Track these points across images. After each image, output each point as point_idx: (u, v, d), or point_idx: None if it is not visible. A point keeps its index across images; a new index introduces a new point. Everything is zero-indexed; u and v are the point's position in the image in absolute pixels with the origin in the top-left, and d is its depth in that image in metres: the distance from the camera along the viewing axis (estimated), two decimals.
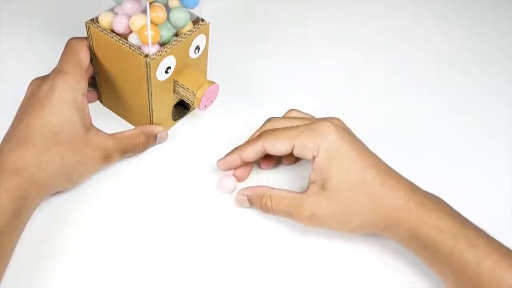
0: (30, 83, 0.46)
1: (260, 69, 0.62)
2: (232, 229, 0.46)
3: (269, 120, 0.48)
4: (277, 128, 0.45)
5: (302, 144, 0.43)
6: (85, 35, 0.48)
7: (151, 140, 0.50)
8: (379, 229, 0.43)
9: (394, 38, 0.71)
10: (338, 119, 0.45)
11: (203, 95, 0.48)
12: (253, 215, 0.47)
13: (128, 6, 0.46)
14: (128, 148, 0.49)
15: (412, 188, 0.42)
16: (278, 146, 0.44)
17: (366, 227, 0.43)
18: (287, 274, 0.44)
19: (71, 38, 0.48)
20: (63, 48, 0.47)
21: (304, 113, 0.48)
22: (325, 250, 0.46)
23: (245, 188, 0.47)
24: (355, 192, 0.42)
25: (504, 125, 0.60)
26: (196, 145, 0.53)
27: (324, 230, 0.45)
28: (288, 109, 0.49)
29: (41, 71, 0.47)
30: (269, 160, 0.51)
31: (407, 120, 0.59)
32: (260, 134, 0.46)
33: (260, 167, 0.51)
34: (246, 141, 0.47)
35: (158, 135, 0.51)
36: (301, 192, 0.44)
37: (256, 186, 0.47)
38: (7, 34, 0.62)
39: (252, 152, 0.46)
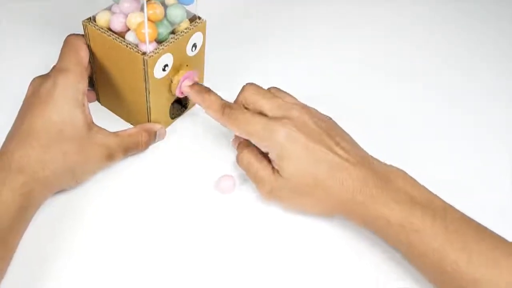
0: (31, 81, 0.46)
1: (258, 68, 0.62)
2: (230, 227, 0.46)
3: (245, 88, 0.48)
4: (240, 114, 0.46)
5: (255, 141, 0.45)
6: (83, 34, 0.48)
7: (152, 137, 0.51)
8: (338, 215, 0.45)
9: (394, 38, 0.71)
10: (299, 109, 0.45)
11: (179, 80, 0.49)
12: (252, 214, 0.47)
13: (126, 5, 0.46)
14: (131, 147, 0.49)
15: (364, 178, 0.43)
16: (236, 133, 0.46)
17: (324, 214, 0.46)
18: (286, 273, 0.44)
19: (70, 35, 0.48)
20: (61, 47, 0.47)
21: (286, 92, 0.49)
22: (325, 250, 0.46)
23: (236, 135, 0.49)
24: (307, 185, 0.44)
25: (504, 125, 0.60)
26: (193, 143, 0.53)
27: (322, 230, 0.45)
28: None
29: (40, 70, 0.48)
30: None
31: (407, 119, 0.59)
32: (226, 111, 0.46)
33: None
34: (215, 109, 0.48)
35: (157, 132, 0.51)
36: (270, 168, 0.45)
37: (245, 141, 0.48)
38: (5, 33, 0.63)
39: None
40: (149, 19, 0.45)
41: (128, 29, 0.46)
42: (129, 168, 0.50)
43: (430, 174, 0.47)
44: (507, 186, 0.53)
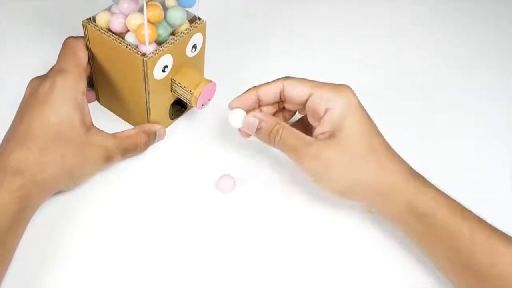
0: (29, 82, 0.46)
1: (258, 68, 0.62)
2: (230, 227, 0.46)
3: (287, 78, 0.47)
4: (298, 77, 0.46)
5: (320, 94, 0.44)
6: (83, 34, 0.48)
7: (151, 138, 0.51)
8: (374, 195, 0.43)
9: (394, 38, 0.71)
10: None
11: (200, 93, 0.48)
12: (252, 214, 0.47)
13: (125, 5, 0.46)
14: (130, 148, 0.49)
15: (410, 171, 0.43)
16: (297, 89, 0.45)
17: (362, 188, 0.43)
18: (286, 272, 0.44)
19: (68, 37, 0.48)
20: (60, 47, 0.47)
21: None
22: (325, 250, 0.46)
23: (260, 112, 0.46)
24: (363, 148, 0.42)
25: (504, 125, 0.60)
26: (193, 144, 0.53)
27: (323, 230, 0.45)
28: None
29: (39, 70, 0.48)
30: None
31: (407, 119, 0.59)
32: (281, 78, 0.46)
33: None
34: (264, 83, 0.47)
35: (157, 132, 0.51)
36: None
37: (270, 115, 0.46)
38: (5, 33, 0.63)
39: (271, 90, 0.46)
40: (148, 21, 0.44)
41: (128, 30, 0.46)
42: (128, 169, 0.50)
43: (430, 174, 0.47)
44: (507, 186, 0.53)
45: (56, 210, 0.45)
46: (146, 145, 0.50)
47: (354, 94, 0.44)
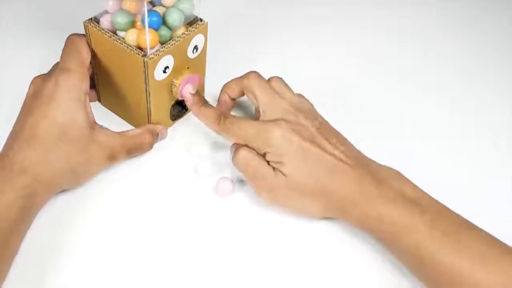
0: (32, 81, 0.46)
1: (259, 69, 0.61)
2: (229, 230, 0.46)
3: (249, 76, 0.48)
4: (238, 119, 0.46)
5: (252, 146, 0.45)
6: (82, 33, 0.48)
7: (156, 138, 0.51)
8: (335, 217, 0.45)
9: (394, 38, 0.71)
10: (296, 111, 0.46)
11: (180, 84, 0.49)
12: (251, 217, 0.47)
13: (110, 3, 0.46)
14: (135, 148, 0.49)
15: (359, 179, 0.43)
16: (232, 140, 0.47)
17: (322, 215, 0.46)
18: (285, 276, 0.44)
19: (72, 35, 0.48)
20: (63, 46, 0.47)
21: (287, 86, 0.48)
22: (324, 254, 0.46)
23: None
24: (307, 184, 0.43)
25: (505, 125, 0.60)
26: (194, 145, 0.52)
27: (320, 233, 0.45)
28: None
29: (40, 70, 0.48)
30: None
31: (407, 119, 0.59)
32: (221, 121, 0.46)
33: None
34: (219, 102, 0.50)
35: (159, 133, 0.51)
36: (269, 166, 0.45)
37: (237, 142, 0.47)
38: (6, 33, 0.63)
39: (235, 91, 0.50)
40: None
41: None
42: (129, 169, 0.49)
43: (430, 174, 0.47)
44: (508, 186, 0.53)
45: (58, 209, 0.45)
46: (151, 145, 0.50)
47: (282, 134, 0.44)
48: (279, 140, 0.43)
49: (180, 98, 0.50)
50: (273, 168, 0.44)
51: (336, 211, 0.44)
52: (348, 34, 0.70)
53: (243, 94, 0.49)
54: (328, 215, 0.45)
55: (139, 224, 0.46)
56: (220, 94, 0.51)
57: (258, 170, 0.45)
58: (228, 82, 0.50)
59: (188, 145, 0.52)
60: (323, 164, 0.43)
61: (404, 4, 0.77)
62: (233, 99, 0.51)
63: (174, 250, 0.44)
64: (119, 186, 0.48)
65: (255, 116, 0.51)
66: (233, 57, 0.62)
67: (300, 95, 0.48)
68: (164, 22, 0.47)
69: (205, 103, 0.49)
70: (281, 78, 0.49)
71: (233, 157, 0.46)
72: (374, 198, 0.42)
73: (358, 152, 0.46)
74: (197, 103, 0.49)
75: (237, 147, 0.47)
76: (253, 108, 0.54)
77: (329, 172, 0.43)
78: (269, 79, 0.48)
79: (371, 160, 0.46)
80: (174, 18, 0.46)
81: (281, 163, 0.43)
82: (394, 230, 0.41)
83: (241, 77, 0.49)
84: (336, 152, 0.44)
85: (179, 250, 0.44)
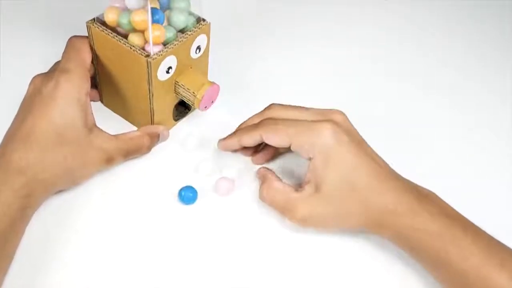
0: (32, 79, 0.46)
1: (262, 69, 0.62)
2: (229, 229, 0.46)
3: (271, 106, 0.48)
4: (277, 120, 0.45)
5: (299, 144, 0.43)
6: (86, 33, 0.48)
7: (154, 140, 0.50)
8: (370, 231, 0.44)
9: (395, 37, 0.71)
10: (340, 114, 0.45)
11: (203, 96, 0.48)
12: (250, 216, 0.47)
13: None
14: (132, 150, 0.48)
15: (403, 191, 0.42)
16: (275, 139, 0.45)
17: (357, 228, 0.44)
18: (284, 275, 0.44)
19: (73, 36, 0.48)
20: (64, 47, 0.47)
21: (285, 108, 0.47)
22: (325, 252, 0.46)
23: (260, 168, 0.48)
24: (346, 197, 0.42)
25: (505, 125, 0.60)
26: (197, 145, 0.52)
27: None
28: None
29: (41, 69, 0.47)
30: (264, 153, 0.51)
31: (407, 119, 0.59)
32: (260, 122, 0.46)
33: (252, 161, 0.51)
34: (246, 127, 0.47)
35: (160, 134, 0.51)
36: (297, 191, 0.44)
37: (266, 170, 0.47)
38: (7, 32, 0.62)
39: (250, 141, 0.46)
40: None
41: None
42: (129, 169, 0.49)
43: (431, 174, 0.47)
44: (508, 186, 0.53)
45: (55, 209, 0.45)
46: (149, 148, 0.50)
47: (332, 132, 0.42)
48: (330, 141, 0.42)
49: (204, 110, 0.50)
50: (304, 191, 0.43)
51: (370, 222, 0.43)
52: (351, 34, 0.70)
53: (261, 142, 0.46)
54: (362, 225, 0.43)
55: (137, 223, 0.46)
56: (229, 137, 0.49)
57: (287, 200, 0.44)
58: (241, 130, 0.48)
59: (191, 144, 0.52)
60: (367, 169, 0.42)
61: (404, 4, 0.76)
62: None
63: (173, 250, 0.44)
64: (117, 186, 0.48)
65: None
66: (237, 58, 0.62)
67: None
68: (169, 23, 0.47)
69: (241, 134, 0.47)
70: (278, 104, 0.48)
71: (260, 193, 0.46)
72: (421, 212, 0.41)
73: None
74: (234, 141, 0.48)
75: (261, 178, 0.47)
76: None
77: (370, 178, 0.42)
78: (263, 112, 0.48)
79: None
80: (179, 18, 0.46)
81: (325, 171, 0.42)
82: (437, 242, 0.40)
83: (256, 125, 0.46)
84: (379, 160, 0.43)
85: (178, 249, 0.44)
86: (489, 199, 0.51)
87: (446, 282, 0.41)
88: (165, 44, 0.46)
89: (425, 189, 0.44)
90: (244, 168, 0.51)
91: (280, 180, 0.46)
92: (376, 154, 0.44)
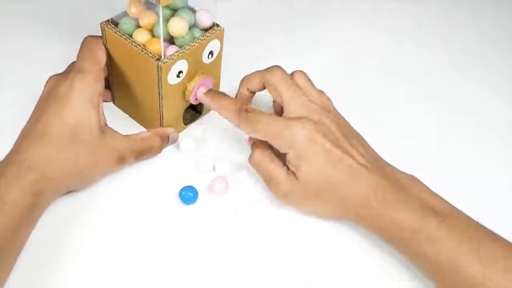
0: (48, 80, 0.47)
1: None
2: (232, 231, 0.46)
3: (272, 70, 0.47)
4: (261, 113, 0.45)
5: (275, 144, 0.45)
6: (98, 34, 0.48)
7: (165, 141, 0.50)
8: (350, 219, 0.45)
9: (394, 37, 0.70)
10: (326, 107, 0.46)
11: (193, 87, 0.48)
12: (245, 216, 0.47)
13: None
14: (144, 151, 0.49)
15: (378, 183, 0.43)
16: (254, 135, 0.46)
17: (336, 218, 0.46)
18: (280, 272, 0.44)
19: (88, 36, 0.48)
20: (77, 47, 0.47)
21: (310, 82, 0.48)
22: (320, 248, 0.46)
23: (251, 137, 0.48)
24: (322, 188, 0.44)
25: (505, 125, 0.59)
26: (206, 149, 0.52)
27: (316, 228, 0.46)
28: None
29: (56, 70, 0.48)
30: None
31: (407, 119, 0.58)
32: (244, 116, 0.45)
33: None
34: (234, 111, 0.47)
35: (170, 136, 0.51)
36: (284, 167, 0.45)
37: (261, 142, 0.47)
38: (23, 33, 0.63)
39: (255, 84, 0.48)
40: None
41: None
42: (130, 169, 0.49)
43: (432, 174, 0.46)
44: (508, 186, 0.52)
45: (63, 208, 0.46)
46: (160, 149, 0.50)
47: (306, 133, 0.43)
48: (303, 140, 0.43)
49: (194, 103, 0.50)
50: (289, 170, 0.44)
51: (350, 214, 0.44)
52: (357, 36, 0.69)
53: (263, 88, 0.48)
54: (342, 218, 0.45)
55: (138, 223, 0.46)
56: (239, 87, 0.49)
57: (272, 174, 0.45)
58: (249, 75, 0.49)
59: (200, 148, 0.52)
60: (343, 166, 0.43)
61: (405, 4, 0.75)
62: (252, 93, 0.50)
63: (174, 250, 0.44)
64: (118, 186, 0.48)
65: (275, 111, 0.50)
66: (250, 64, 0.62)
67: (321, 92, 0.47)
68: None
69: (223, 95, 0.48)
70: (305, 73, 0.48)
71: (249, 158, 0.47)
72: (394, 205, 0.42)
73: (375, 153, 0.46)
74: (214, 96, 0.48)
75: (253, 145, 0.47)
76: (268, 102, 0.53)
77: (347, 175, 0.43)
78: (292, 74, 0.47)
79: (390, 165, 0.46)
80: (181, 25, 0.46)
81: (299, 166, 0.43)
82: (411, 235, 0.41)
83: (263, 70, 0.48)
84: (356, 155, 0.44)
85: (179, 249, 0.44)
86: (489, 199, 0.50)
87: (425, 272, 0.42)
88: (181, 46, 0.47)
89: (407, 177, 0.44)
90: (244, 167, 0.51)
91: (272, 149, 0.47)
92: (355, 146, 0.44)
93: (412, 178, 0.45)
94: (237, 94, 0.50)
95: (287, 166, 0.45)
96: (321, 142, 0.43)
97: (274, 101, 0.50)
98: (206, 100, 0.49)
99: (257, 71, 0.48)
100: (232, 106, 0.47)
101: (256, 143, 0.47)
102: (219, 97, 0.48)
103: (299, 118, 0.44)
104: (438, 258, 0.39)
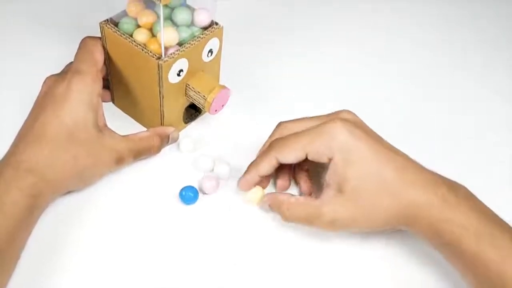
0: (45, 80, 0.46)
1: (273, 73, 0.61)
2: (233, 231, 0.46)
3: (279, 125, 0.47)
4: (287, 136, 0.44)
5: (315, 151, 0.42)
6: (97, 34, 0.48)
7: (164, 141, 0.50)
8: (402, 226, 0.42)
9: (394, 37, 0.70)
10: (349, 112, 0.44)
11: (213, 99, 0.48)
12: (236, 214, 0.47)
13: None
14: (142, 151, 0.49)
15: (434, 181, 0.41)
16: (290, 156, 0.43)
17: (389, 225, 0.42)
18: (273, 272, 0.44)
19: (86, 37, 0.48)
20: (77, 47, 0.47)
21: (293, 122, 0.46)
22: (314, 248, 0.45)
23: (268, 194, 0.46)
24: (374, 192, 0.40)
25: (505, 125, 0.59)
26: (207, 148, 0.52)
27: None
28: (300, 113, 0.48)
29: (54, 70, 0.48)
30: (283, 175, 0.49)
31: (408, 119, 0.58)
32: (270, 145, 0.45)
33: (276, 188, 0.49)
34: (259, 155, 0.46)
35: (170, 135, 0.51)
36: (318, 197, 0.43)
37: (276, 194, 0.46)
38: (21, 33, 0.63)
39: (267, 167, 0.45)
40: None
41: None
42: (130, 170, 0.49)
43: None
44: (508, 186, 0.52)
45: (62, 209, 0.46)
46: (159, 148, 0.50)
47: (345, 129, 0.41)
48: (346, 138, 0.41)
49: (214, 114, 0.50)
50: (324, 194, 0.42)
51: (402, 216, 0.41)
52: (359, 36, 0.70)
53: (278, 165, 0.45)
54: (394, 222, 0.42)
55: (138, 223, 0.46)
56: (246, 172, 0.46)
57: (309, 210, 0.43)
58: (256, 161, 0.46)
59: (201, 147, 0.52)
60: (392, 162, 0.40)
61: (405, 4, 0.75)
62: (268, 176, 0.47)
63: (175, 249, 0.44)
64: (118, 187, 0.48)
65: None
66: (249, 62, 0.62)
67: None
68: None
69: (278, 196, 0.45)
70: (285, 121, 0.47)
71: (282, 218, 0.45)
72: (456, 204, 0.39)
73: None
74: (275, 202, 0.45)
75: (277, 203, 0.45)
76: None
77: (399, 171, 0.40)
78: (274, 134, 0.46)
79: None
80: (184, 17, 0.46)
81: (347, 171, 0.41)
82: (474, 241, 0.38)
83: (268, 149, 0.45)
84: (399, 151, 0.42)
85: (180, 249, 0.45)
86: (488, 198, 0.49)
87: (478, 283, 0.39)
88: (181, 44, 0.47)
89: (454, 181, 0.42)
90: (244, 167, 0.50)
91: (294, 195, 0.45)
92: (394, 147, 0.43)
93: (462, 185, 0.42)
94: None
95: (315, 195, 0.43)
96: (363, 137, 0.41)
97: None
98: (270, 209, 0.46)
99: (261, 157, 0.45)
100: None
101: (275, 199, 0.45)
102: (277, 200, 0.45)
103: (329, 121, 0.42)
104: (503, 267, 0.37)
